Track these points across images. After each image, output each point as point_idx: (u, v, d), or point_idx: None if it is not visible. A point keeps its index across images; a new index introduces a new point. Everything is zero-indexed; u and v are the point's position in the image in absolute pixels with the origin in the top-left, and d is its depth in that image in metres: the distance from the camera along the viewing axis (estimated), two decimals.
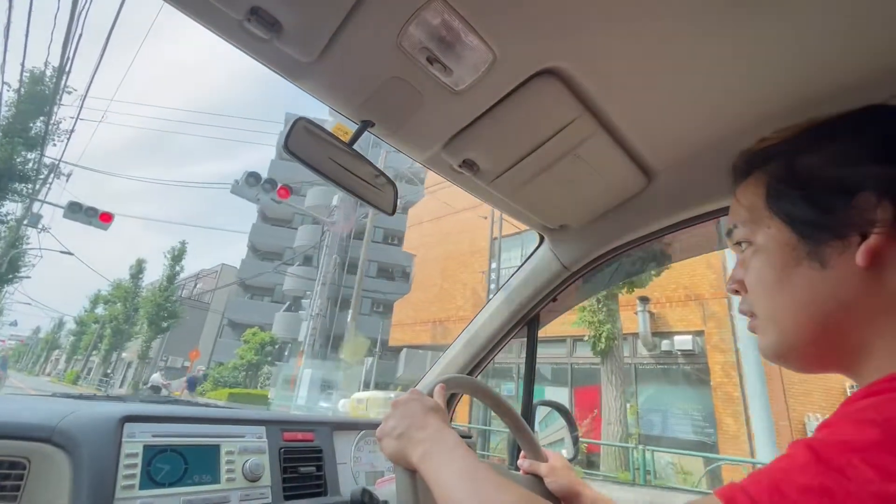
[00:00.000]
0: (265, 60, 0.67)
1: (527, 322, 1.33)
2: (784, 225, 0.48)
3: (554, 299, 1.29)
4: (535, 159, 0.88)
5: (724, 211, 0.89)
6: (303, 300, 23.98)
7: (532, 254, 1.27)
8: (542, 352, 10.97)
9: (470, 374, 1.38)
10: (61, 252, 16.91)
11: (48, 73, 15.41)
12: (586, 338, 9.24)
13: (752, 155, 0.54)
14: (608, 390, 8.80)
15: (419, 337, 14.62)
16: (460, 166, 0.89)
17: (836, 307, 0.44)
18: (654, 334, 9.59)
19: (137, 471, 0.67)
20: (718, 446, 8.18)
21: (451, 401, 1.49)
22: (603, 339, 8.84)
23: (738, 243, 0.53)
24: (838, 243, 0.43)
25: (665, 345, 9.46)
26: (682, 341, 9.21)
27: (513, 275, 1.31)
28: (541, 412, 1.27)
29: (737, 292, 0.54)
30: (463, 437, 1.29)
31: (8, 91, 14.85)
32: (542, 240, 1.22)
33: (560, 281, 1.23)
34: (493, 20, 0.62)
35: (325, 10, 0.60)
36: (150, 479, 0.68)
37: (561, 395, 10.53)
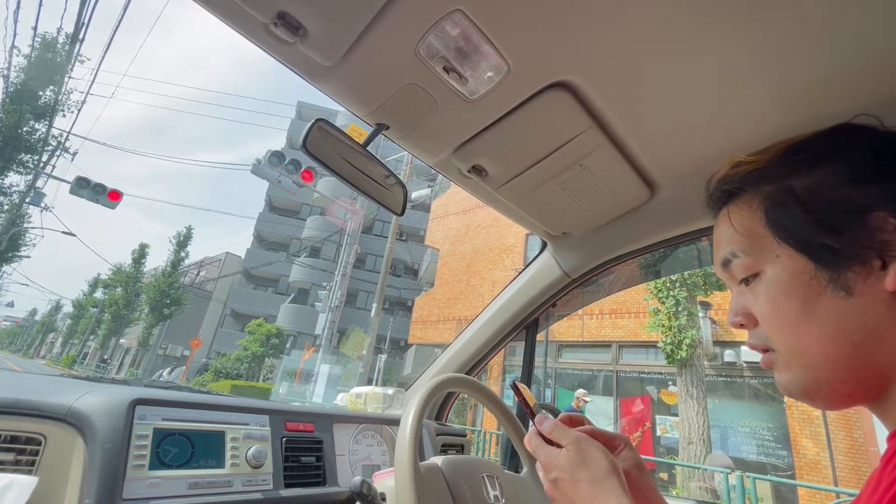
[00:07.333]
0: (288, 62, 0.70)
1: (526, 326, 1.36)
2: (796, 252, 0.45)
3: (553, 305, 1.31)
4: (542, 168, 0.90)
5: None
6: (308, 292, 23.94)
7: (534, 259, 1.29)
8: (582, 356, 10.47)
9: (468, 374, 1.40)
10: (63, 233, 16.84)
11: (60, 39, 14.78)
12: (660, 344, 8.24)
13: (737, 178, 0.51)
14: (688, 404, 7.86)
15: (442, 335, 13.60)
16: (469, 171, 0.92)
17: (866, 337, 0.41)
18: (716, 343, 8.56)
19: (147, 452, 0.69)
20: (795, 471, 7.37)
21: (447, 399, 1.52)
22: (684, 348, 7.85)
23: (745, 279, 0.49)
24: (860, 268, 0.41)
25: (728, 355, 8.60)
26: (751, 353, 7.53)
27: (514, 279, 1.34)
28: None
29: (742, 326, 0.50)
30: (457, 435, 1.32)
31: (17, 56, 14.31)
32: (544, 246, 1.25)
33: (560, 287, 1.25)
34: (510, 33, 0.64)
35: (349, 17, 0.62)
36: (159, 460, 0.70)
37: (605, 405, 9.65)
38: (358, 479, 0.75)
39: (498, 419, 1.01)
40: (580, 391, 8.23)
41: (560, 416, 0.66)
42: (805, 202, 0.45)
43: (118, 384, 0.96)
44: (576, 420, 0.67)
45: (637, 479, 0.64)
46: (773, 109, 0.73)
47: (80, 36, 10.57)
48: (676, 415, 8.40)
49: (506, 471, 0.97)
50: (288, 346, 20.44)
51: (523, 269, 1.32)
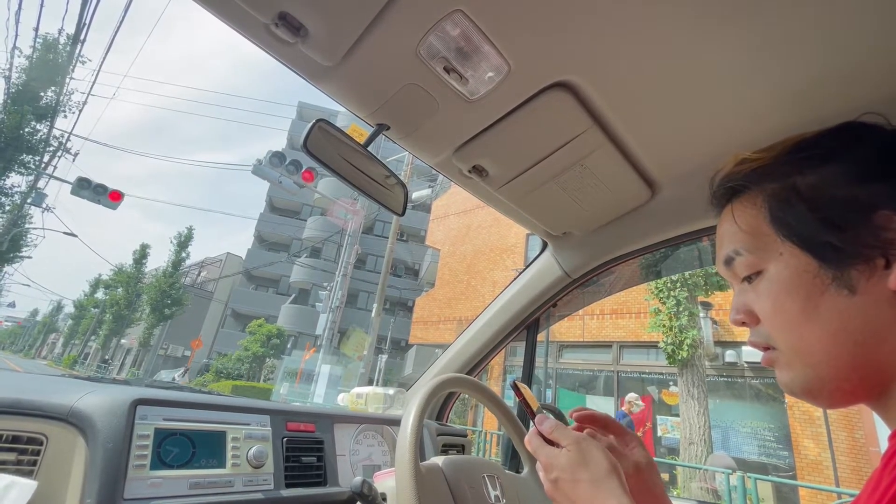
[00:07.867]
0: (289, 63, 0.70)
1: (526, 326, 1.36)
2: (799, 250, 0.45)
3: (554, 305, 1.31)
4: (543, 168, 0.90)
5: None
6: (309, 293, 23.96)
7: (534, 259, 1.29)
8: (583, 357, 10.45)
9: (468, 374, 1.40)
10: (64, 233, 16.88)
11: (62, 40, 14.81)
12: (661, 344, 8.21)
13: (741, 175, 0.51)
14: (688, 405, 7.83)
15: (443, 335, 13.57)
16: (470, 171, 0.92)
17: (868, 336, 0.41)
18: (717, 343, 8.49)
19: (149, 452, 0.69)
20: (797, 472, 7.32)
21: (448, 399, 1.52)
22: (685, 348, 7.81)
23: (748, 277, 0.49)
24: (864, 266, 0.41)
25: (729, 356, 8.52)
26: (752, 353, 7.55)
27: (514, 279, 1.34)
28: None
29: (744, 324, 0.50)
30: (457, 436, 1.32)
31: (19, 57, 14.50)
32: (544, 246, 1.25)
33: (561, 287, 1.25)
34: (511, 33, 0.64)
35: (350, 17, 0.63)
36: (160, 460, 0.70)
37: (606, 405, 9.52)
38: (359, 479, 0.75)
39: (499, 419, 1.01)
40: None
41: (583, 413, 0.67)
42: (809, 200, 0.45)
43: (119, 384, 0.96)
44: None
45: (648, 477, 0.65)
46: (773, 109, 0.73)
47: (82, 37, 10.60)
48: (677, 415, 8.39)
49: (506, 471, 0.97)
50: (289, 346, 20.45)
51: (524, 270, 1.32)
